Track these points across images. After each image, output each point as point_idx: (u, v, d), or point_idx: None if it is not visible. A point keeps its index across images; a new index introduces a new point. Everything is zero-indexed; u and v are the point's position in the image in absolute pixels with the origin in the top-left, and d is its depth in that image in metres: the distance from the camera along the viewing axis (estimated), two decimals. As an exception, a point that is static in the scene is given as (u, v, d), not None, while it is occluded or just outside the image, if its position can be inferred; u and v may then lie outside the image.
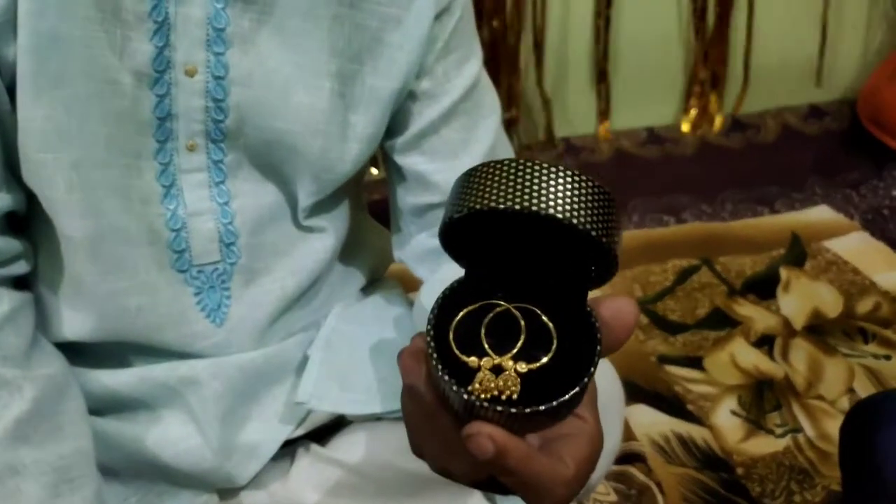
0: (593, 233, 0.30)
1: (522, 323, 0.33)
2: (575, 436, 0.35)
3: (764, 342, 1.10)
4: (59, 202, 0.57)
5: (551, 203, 0.30)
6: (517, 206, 0.30)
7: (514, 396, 0.31)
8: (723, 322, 1.14)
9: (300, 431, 0.70)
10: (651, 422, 0.95)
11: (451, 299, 0.34)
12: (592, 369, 0.32)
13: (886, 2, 1.68)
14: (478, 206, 0.31)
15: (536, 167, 0.31)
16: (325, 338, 0.70)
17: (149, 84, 0.55)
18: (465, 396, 0.31)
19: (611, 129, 1.65)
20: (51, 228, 0.58)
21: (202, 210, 0.61)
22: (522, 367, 0.32)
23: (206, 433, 0.64)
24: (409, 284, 0.75)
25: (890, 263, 1.26)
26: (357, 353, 0.71)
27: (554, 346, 0.33)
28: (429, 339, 0.33)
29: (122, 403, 0.65)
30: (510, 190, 0.30)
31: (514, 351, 0.33)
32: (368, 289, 0.80)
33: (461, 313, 0.34)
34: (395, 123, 0.67)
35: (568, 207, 0.30)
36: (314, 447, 0.70)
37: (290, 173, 0.63)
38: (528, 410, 0.30)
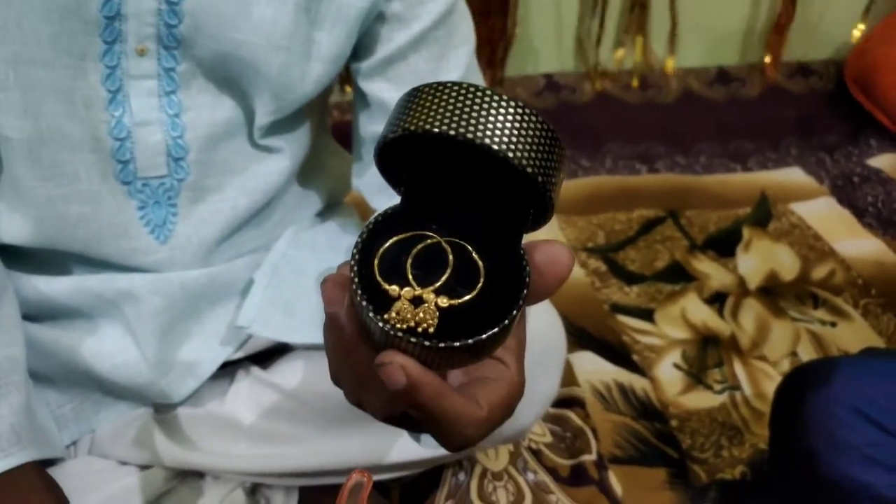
0: (529, 170, 0.29)
1: (451, 257, 0.32)
2: (494, 380, 0.34)
3: (716, 299, 1.11)
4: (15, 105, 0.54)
5: (488, 132, 0.28)
6: (452, 132, 0.28)
7: (431, 330, 0.30)
8: (679, 276, 1.15)
9: (240, 354, 0.70)
10: (595, 369, 0.97)
11: (382, 225, 0.33)
12: (515, 313, 0.31)
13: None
14: (412, 129, 0.29)
15: (479, 93, 0.29)
16: (273, 262, 0.70)
17: None
18: (381, 324, 0.30)
19: (598, 68, 1.61)
20: None
21: (150, 120, 0.59)
22: (444, 301, 0.31)
23: (142, 348, 0.63)
24: (367, 213, 0.74)
25: (852, 231, 1.27)
26: (304, 280, 0.70)
27: (480, 285, 0.32)
28: (353, 263, 0.31)
29: (59, 312, 0.64)
30: (447, 114, 0.29)
31: (438, 284, 0.31)
32: (325, 214, 0.79)
33: (390, 241, 0.32)
34: (362, 46, 0.64)
35: (505, 139, 0.28)
36: (254, 370, 0.70)
37: (248, 89, 0.60)
38: (441, 345, 0.29)
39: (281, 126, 0.66)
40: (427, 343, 0.29)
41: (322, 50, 0.61)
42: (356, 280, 0.31)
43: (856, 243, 1.24)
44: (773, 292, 1.13)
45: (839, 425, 0.67)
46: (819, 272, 1.18)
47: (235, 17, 0.56)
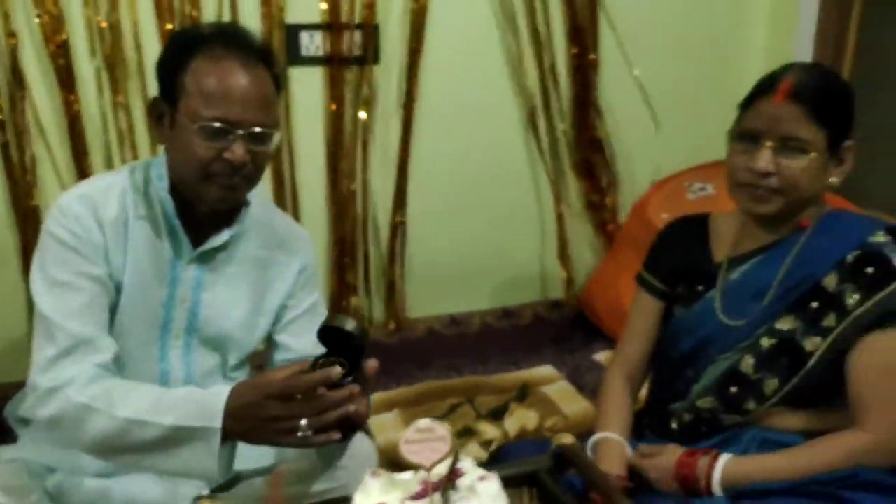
0: (360, 336, 1.09)
1: (339, 363, 1.09)
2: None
3: (489, 444, 1.90)
4: (125, 357, 1.28)
5: (349, 325, 1.08)
6: (338, 324, 1.09)
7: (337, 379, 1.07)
8: (468, 434, 1.95)
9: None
10: (413, 485, 1.71)
11: (317, 358, 1.10)
12: (356, 373, 1.09)
13: (598, 237, 2.70)
14: (326, 324, 1.09)
15: (341, 315, 1.11)
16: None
17: (164, 307, 1.32)
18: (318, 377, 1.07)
19: (423, 314, 2.52)
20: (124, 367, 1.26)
21: (177, 367, 1.36)
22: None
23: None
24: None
25: (574, 400, 2.13)
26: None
27: (347, 368, 1.08)
28: (312, 366, 1.08)
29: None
30: (337, 321, 1.09)
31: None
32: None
33: (320, 361, 1.09)
34: (276, 320, 1.46)
35: (354, 327, 1.09)
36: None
37: (225, 350, 1.39)
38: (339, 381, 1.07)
39: (238, 366, 1.45)
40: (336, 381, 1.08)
41: (261, 327, 1.42)
42: (313, 369, 1.08)
43: (575, 406, 2.09)
44: (522, 435, 1.94)
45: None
46: (550, 423, 2.01)
47: (222, 317, 1.36)
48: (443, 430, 0.92)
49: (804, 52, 2.45)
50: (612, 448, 1.27)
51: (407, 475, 0.99)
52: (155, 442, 1.06)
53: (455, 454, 0.94)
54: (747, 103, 1.21)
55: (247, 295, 1.38)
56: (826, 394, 1.18)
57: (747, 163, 1.18)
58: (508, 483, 1.20)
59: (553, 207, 2.58)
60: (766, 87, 1.18)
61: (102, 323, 1.18)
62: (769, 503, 1.10)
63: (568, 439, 1.17)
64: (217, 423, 1.03)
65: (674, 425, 1.31)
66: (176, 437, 1.05)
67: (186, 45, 1.16)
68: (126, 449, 1.08)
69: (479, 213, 2.52)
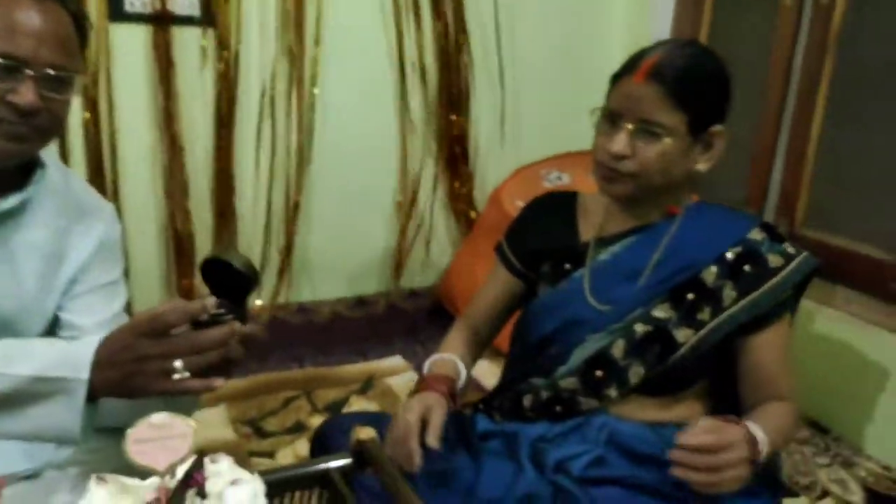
0: (245, 271, 0.89)
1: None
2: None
3: (320, 440, 1.77)
4: None
5: (235, 260, 0.89)
6: (223, 258, 0.90)
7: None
8: (299, 429, 1.80)
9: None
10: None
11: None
12: (240, 313, 0.90)
13: (458, 225, 2.61)
14: (210, 257, 0.91)
15: (229, 250, 0.95)
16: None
17: None
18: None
19: (268, 302, 2.35)
20: None
21: None
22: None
23: None
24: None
25: (420, 391, 2.03)
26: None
27: (230, 306, 0.90)
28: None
29: None
30: (222, 254, 0.91)
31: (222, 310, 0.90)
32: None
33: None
34: (67, 296, 1.25)
35: (242, 262, 0.90)
36: None
37: (7, 336, 1.18)
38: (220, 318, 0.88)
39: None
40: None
41: (50, 308, 1.19)
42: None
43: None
44: (357, 432, 1.81)
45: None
46: (389, 417, 1.89)
47: (5, 296, 1.13)
48: (183, 425, 0.77)
49: (663, 29, 2.45)
50: (445, 364, 1.25)
51: (151, 480, 0.84)
52: (2, 397, 0.88)
53: (200, 455, 0.79)
54: (614, 80, 1.15)
55: (36, 271, 1.19)
56: (679, 385, 1.18)
57: (605, 144, 1.13)
58: (299, 484, 1.07)
59: (413, 194, 2.47)
60: (630, 64, 1.13)
61: None
62: (606, 492, 1.09)
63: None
64: (84, 374, 0.87)
65: (526, 403, 1.26)
66: (32, 392, 0.88)
67: None
68: None
69: (334, 198, 2.37)
